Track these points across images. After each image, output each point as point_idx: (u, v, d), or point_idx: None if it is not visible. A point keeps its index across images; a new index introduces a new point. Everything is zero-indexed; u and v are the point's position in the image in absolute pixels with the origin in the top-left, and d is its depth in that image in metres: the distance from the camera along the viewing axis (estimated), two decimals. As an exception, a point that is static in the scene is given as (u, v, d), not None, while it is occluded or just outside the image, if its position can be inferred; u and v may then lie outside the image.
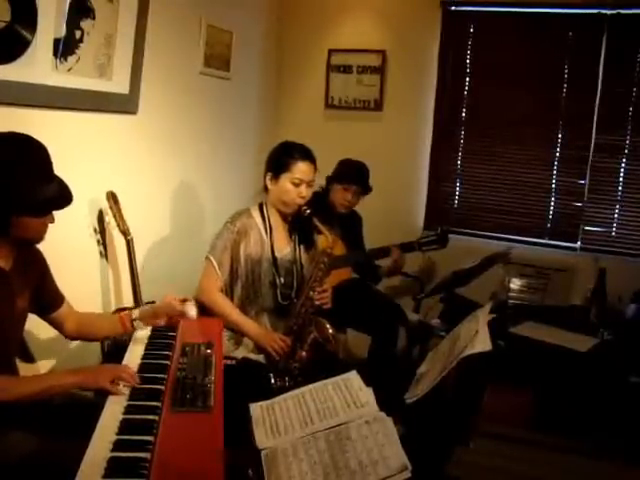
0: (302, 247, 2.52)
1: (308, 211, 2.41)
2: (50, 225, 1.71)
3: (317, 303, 2.38)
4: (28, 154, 1.58)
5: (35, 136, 1.63)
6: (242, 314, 2.38)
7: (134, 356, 1.88)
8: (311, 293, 2.36)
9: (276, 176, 2.39)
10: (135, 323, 1.95)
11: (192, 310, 2.00)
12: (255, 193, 2.53)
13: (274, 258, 2.42)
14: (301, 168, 2.37)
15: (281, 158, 2.40)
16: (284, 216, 2.47)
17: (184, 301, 2.00)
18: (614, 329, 2.97)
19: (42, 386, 1.57)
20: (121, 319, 1.95)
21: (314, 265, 2.41)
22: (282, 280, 2.43)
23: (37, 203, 1.58)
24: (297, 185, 2.36)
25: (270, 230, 2.44)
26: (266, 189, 2.45)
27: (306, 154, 2.41)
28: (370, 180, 3.21)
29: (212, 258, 2.38)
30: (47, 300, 1.88)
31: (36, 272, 1.81)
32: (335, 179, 3.19)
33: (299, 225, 2.50)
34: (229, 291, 2.43)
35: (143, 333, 2.06)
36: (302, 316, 2.35)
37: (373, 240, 3.32)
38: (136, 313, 1.96)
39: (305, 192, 2.39)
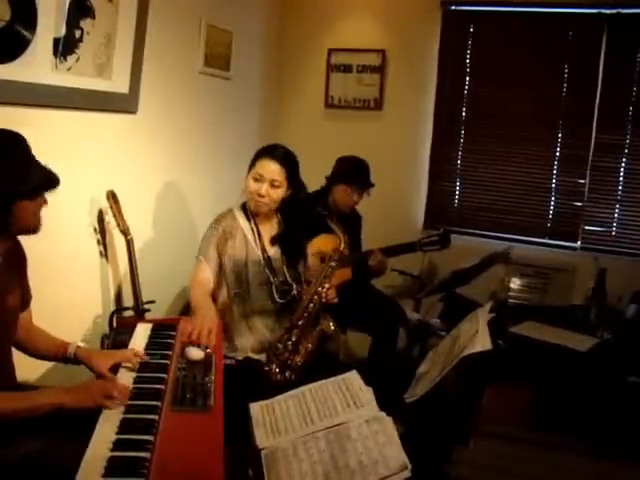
0: (285, 255, 2.47)
1: (325, 213, 2.46)
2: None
3: (326, 299, 2.37)
4: (8, 144, 1.58)
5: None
6: (204, 306, 2.28)
7: (134, 356, 1.87)
8: (320, 289, 2.36)
9: (247, 176, 2.40)
10: (69, 355, 1.84)
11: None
12: (237, 194, 2.51)
13: (268, 258, 2.42)
14: (262, 164, 2.34)
15: (252, 158, 2.42)
16: (267, 215, 2.45)
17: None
18: (614, 329, 2.97)
19: (26, 405, 1.52)
20: (59, 346, 1.86)
21: (325, 262, 2.41)
22: (279, 278, 2.43)
23: (31, 185, 1.57)
24: (257, 181, 2.34)
25: (258, 231, 2.43)
26: None
27: (271, 152, 2.36)
28: (371, 177, 3.21)
29: (200, 256, 2.39)
30: (23, 298, 1.81)
31: (22, 269, 1.79)
32: (338, 179, 3.17)
33: (287, 233, 2.48)
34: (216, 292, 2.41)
35: (143, 333, 2.06)
36: (310, 311, 2.35)
37: (373, 240, 3.32)
38: (73, 348, 1.84)
39: (265, 191, 2.33)
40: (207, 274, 2.36)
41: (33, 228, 1.67)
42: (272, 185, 2.34)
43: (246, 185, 2.38)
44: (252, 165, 2.39)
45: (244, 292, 2.40)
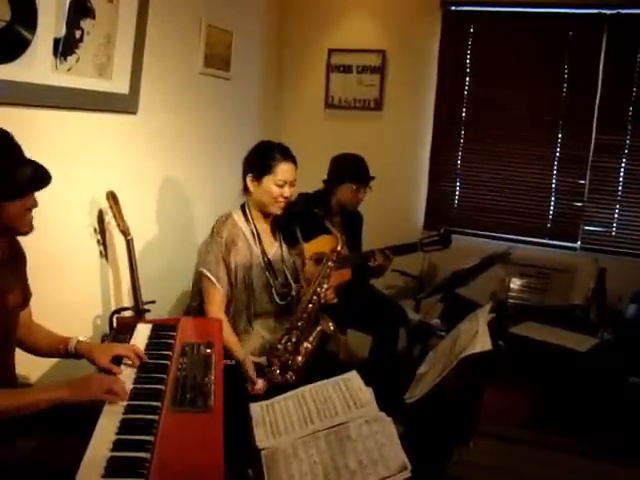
0: (286, 246, 2.52)
1: (321, 214, 2.48)
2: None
3: (325, 299, 2.38)
4: None
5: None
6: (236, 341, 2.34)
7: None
8: (318, 289, 2.36)
9: (258, 178, 2.38)
10: (70, 349, 1.84)
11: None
12: (237, 195, 2.51)
13: (268, 261, 2.42)
14: (284, 169, 2.36)
15: (262, 159, 2.39)
16: (267, 216, 2.47)
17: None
18: (614, 329, 2.97)
19: (27, 401, 1.52)
20: (60, 342, 1.86)
21: (323, 262, 2.41)
22: (279, 280, 2.43)
23: (15, 184, 1.53)
24: (281, 186, 2.37)
25: (257, 234, 2.43)
26: (246, 190, 2.44)
27: (287, 154, 2.40)
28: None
29: (209, 274, 2.34)
30: (23, 296, 1.81)
31: (22, 267, 1.79)
32: (340, 179, 3.16)
33: (283, 224, 2.51)
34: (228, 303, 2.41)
35: (143, 333, 2.06)
36: (309, 312, 2.35)
37: (374, 240, 3.31)
38: (74, 342, 1.84)
39: (288, 192, 2.39)
40: (221, 295, 2.35)
41: (22, 230, 1.63)
42: (291, 185, 2.40)
43: (267, 192, 2.37)
44: (267, 171, 2.36)
45: (249, 295, 2.39)
